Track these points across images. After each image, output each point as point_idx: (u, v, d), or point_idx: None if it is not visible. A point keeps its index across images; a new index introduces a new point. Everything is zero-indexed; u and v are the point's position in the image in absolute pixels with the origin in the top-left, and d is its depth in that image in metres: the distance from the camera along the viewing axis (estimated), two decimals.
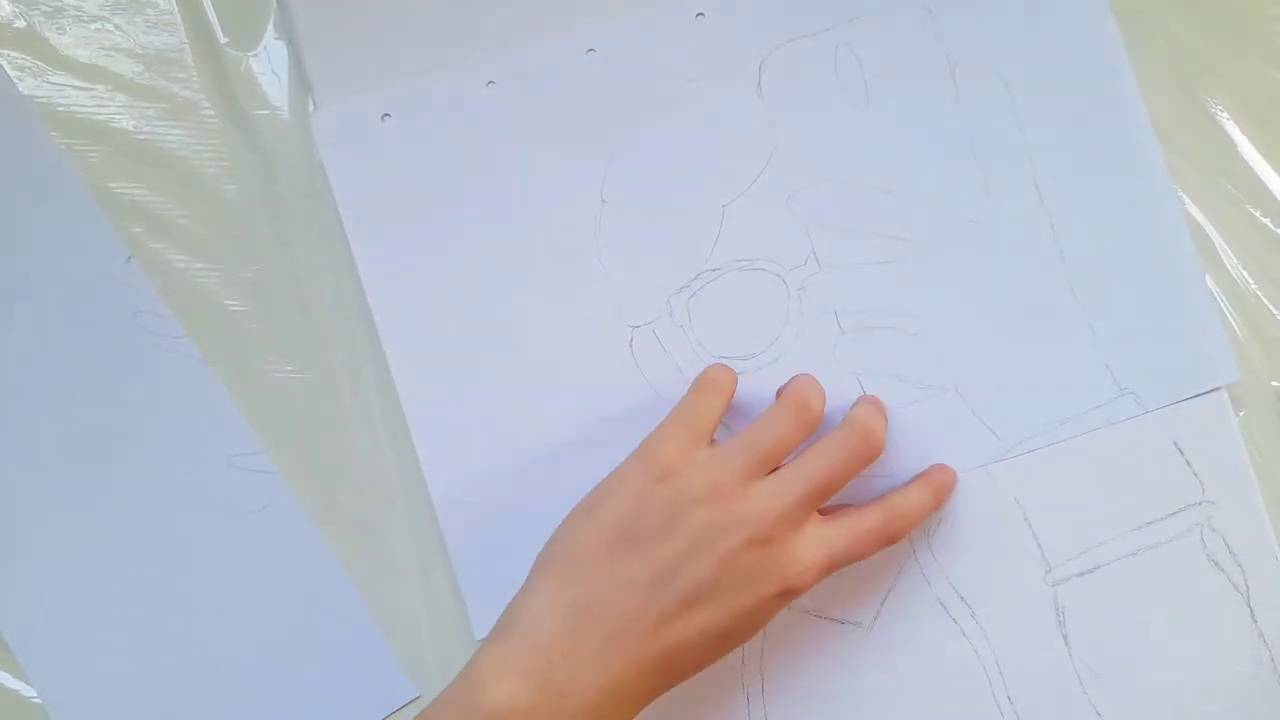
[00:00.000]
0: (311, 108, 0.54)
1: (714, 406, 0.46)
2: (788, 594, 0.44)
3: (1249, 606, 0.49)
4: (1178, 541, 0.50)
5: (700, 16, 0.53)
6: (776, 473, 0.45)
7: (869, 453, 0.46)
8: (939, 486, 0.49)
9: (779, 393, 0.48)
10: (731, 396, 0.48)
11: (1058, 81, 0.52)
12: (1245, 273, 0.52)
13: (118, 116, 0.55)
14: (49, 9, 0.55)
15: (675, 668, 0.43)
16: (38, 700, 0.52)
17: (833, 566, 0.45)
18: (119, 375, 0.53)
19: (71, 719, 0.52)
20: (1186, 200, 0.52)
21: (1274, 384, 0.52)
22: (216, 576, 0.53)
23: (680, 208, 0.52)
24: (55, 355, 0.53)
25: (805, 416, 0.45)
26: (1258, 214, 0.52)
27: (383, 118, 0.53)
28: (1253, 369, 0.52)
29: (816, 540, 0.45)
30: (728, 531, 0.43)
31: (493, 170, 0.53)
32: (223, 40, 0.55)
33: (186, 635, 0.52)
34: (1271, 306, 0.52)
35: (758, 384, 0.51)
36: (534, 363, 0.52)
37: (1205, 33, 0.53)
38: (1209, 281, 0.51)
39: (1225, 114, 0.53)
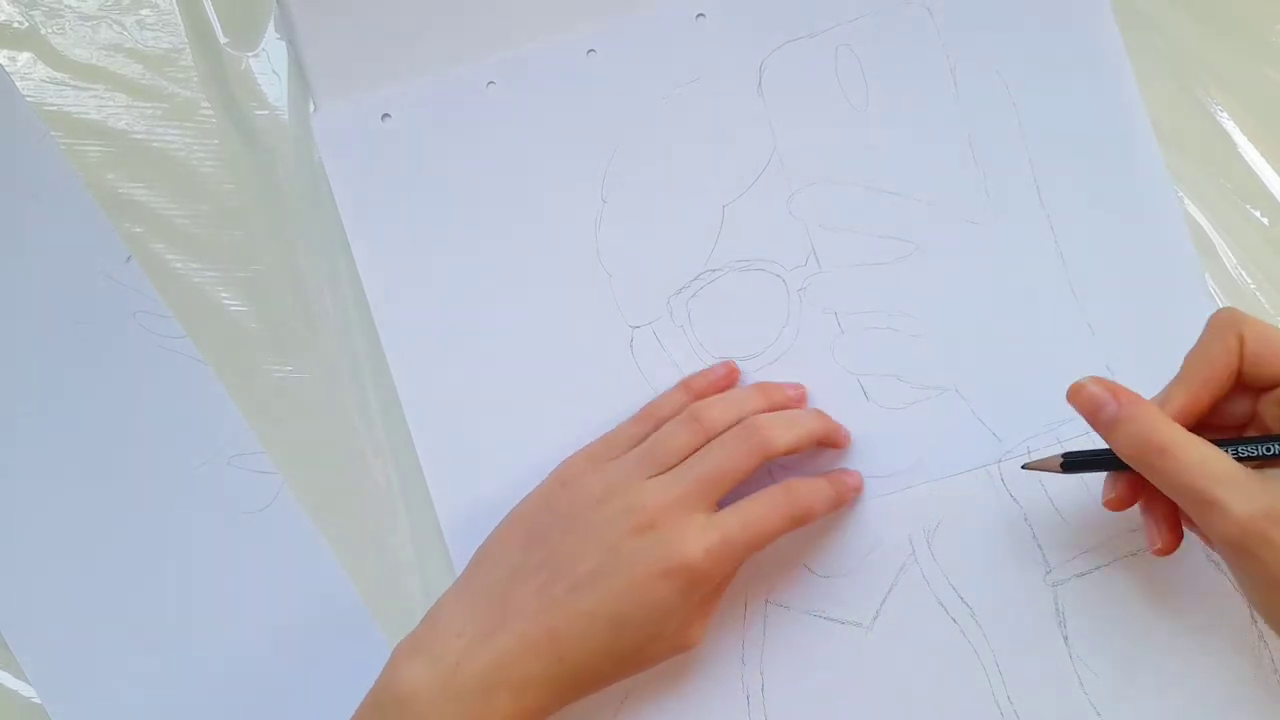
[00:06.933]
0: (311, 108, 0.54)
1: (633, 433, 0.49)
2: (675, 574, 0.45)
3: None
4: None
5: (700, 17, 0.53)
6: (669, 470, 0.47)
7: (758, 449, 0.47)
8: (843, 484, 0.50)
9: None
10: (659, 425, 0.49)
11: (1058, 81, 0.52)
12: (1245, 273, 0.52)
13: (118, 116, 0.55)
14: (49, 9, 0.55)
15: (565, 649, 0.45)
16: (38, 700, 0.52)
17: (730, 547, 0.46)
18: (119, 375, 0.53)
19: (71, 719, 0.52)
20: (1186, 200, 0.52)
21: None
22: (216, 576, 0.53)
23: (680, 208, 0.52)
24: (55, 355, 0.53)
25: (694, 427, 0.48)
26: (1257, 214, 0.52)
27: (383, 118, 0.53)
28: None
29: (708, 523, 0.46)
30: (615, 521, 0.46)
31: (493, 170, 0.53)
32: (223, 40, 0.55)
33: (186, 635, 0.52)
34: (1270, 307, 0.52)
35: None
36: (534, 363, 0.52)
37: (1205, 33, 0.53)
38: (1209, 281, 0.51)
39: (1225, 114, 0.53)
